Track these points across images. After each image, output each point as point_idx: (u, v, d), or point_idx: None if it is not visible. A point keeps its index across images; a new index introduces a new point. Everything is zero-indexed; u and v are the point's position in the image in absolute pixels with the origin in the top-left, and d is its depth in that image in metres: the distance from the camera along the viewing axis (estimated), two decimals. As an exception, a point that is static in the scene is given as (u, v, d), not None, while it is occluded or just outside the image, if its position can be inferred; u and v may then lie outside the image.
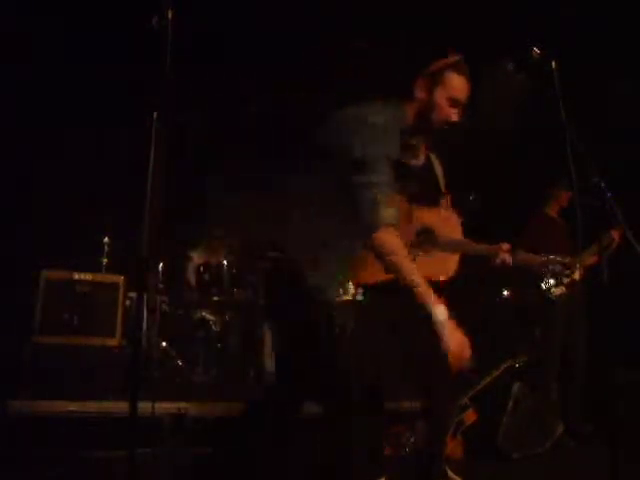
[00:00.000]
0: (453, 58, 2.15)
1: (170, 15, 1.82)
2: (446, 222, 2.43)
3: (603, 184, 2.44)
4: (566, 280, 3.93)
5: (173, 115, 1.81)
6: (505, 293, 5.33)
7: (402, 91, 2.27)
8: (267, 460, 2.31)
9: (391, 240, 1.94)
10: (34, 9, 4.34)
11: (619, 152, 4.40)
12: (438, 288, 1.97)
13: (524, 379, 3.59)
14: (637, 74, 4.48)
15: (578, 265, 3.89)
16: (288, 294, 2.12)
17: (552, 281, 3.91)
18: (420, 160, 2.33)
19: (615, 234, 3.71)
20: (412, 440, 3.30)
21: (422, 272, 1.96)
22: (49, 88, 4.62)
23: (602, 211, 2.55)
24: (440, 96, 2.09)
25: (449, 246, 2.37)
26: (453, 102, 2.09)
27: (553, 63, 2.24)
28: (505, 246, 2.39)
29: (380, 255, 1.95)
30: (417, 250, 2.35)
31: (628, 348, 3.72)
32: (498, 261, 2.39)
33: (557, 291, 3.92)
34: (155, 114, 1.76)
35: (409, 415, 3.62)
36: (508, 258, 2.40)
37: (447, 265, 2.38)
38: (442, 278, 2.34)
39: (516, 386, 3.48)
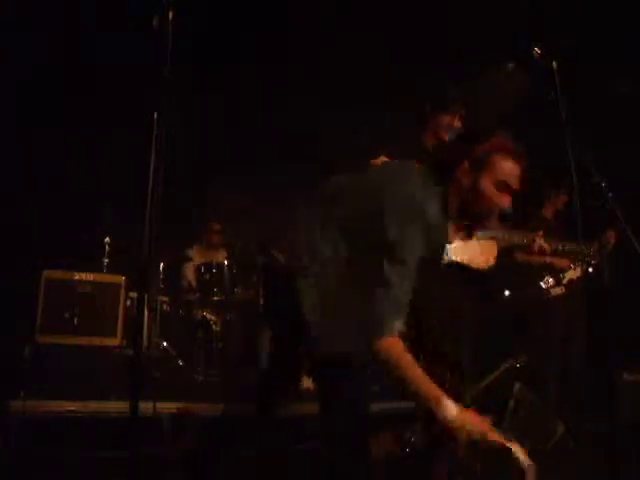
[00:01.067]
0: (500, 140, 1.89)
1: (170, 15, 1.82)
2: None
3: (603, 184, 2.45)
4: (565, 280, 3.93)
5: (173, 115, 1.81)
6: (505, 293, 5.32)
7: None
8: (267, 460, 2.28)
9: (396, 352, 1.75)
10: (34, 9, 4.34)
11: (619, 152, 4.41)
12: (480, 277, 1.96)
13: (524, 379, 3.59)
14: (637, 74, 4.48)
15: (577, 265, 3.90)
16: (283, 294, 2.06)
17: (552, 280, 3.92)
18: None
19: (611, 235, 3.72)
20: (412, 440, 3.30)
21: (466, 260, 1.97)
22: (49, 88, 4.63)
23: (602, 211, 2.55)
24: (486, 183, 1.85)
25: (488, 235, 2.35)
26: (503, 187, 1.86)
27: (554, 63, 2.24)
28: (540, 233, 2.40)
29: (384, 366, 1.77)
30: (456, 238, 2.28)
31: (628, 348, 3.73)
32: (535, 247, 2.39)
33: (557, 290, 3.92)
34: (155, 114, 1.76)
35: (409, 415, 3.62)
36: (545, 244, 2.40)
37: (487, 254, 2.36)
38: (483, 266, 2.33)
39: (516, 386, 3.48)
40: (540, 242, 2.40)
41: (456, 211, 1.89)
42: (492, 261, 2.36)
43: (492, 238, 2.37)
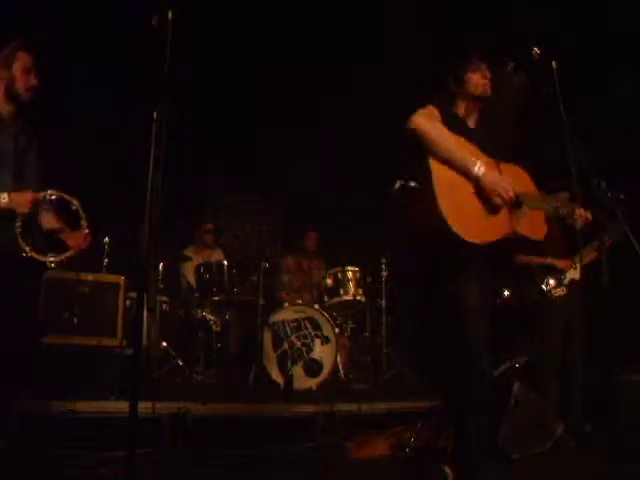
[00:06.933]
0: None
1: (170, 15, 1.82)
2: (515, 174, 2.39)
3: (603, 184, 2.45)
4: (566, 281, 3.94)
5: (173, 114, 1.81)
6: (505, 293, 5.32)
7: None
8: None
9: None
10: (34, 9, 4.34)
11: (619, 152, 4.41)
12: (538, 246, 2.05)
13: (524, 379, 3.59)
14: (637, 74, 4.48)
15: (577, 264, 3.90)
16: None
17: (552, 281, 3.92)
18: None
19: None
20: (412, 440, 3.30)
21: (522, 231, 2.21)
22: (49, 87, 4.61)
23: (602, 211, 2.55)
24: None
25: (536, 203, 2.34)
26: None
27: (554, 63, 2.25)
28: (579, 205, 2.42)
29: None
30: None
31: (627, 348, 3.73)
32: (577, 215, 2.41)
33: (558, 291, 3.92)
34: (155, 113, 1.77)
35: (409, 415, 3.62)
36: (585, 213, 2.42)
37: (537, 223, 2.36)
38: (538, 238, 2.33)
39: (516, 386, 3.48)
40: (581, 211, 2.41)
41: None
42: (544, 233, 2.36)
43: (541, 207, 2.36)
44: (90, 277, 3.84)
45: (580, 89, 3.18)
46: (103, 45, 4.60)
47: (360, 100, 5.38)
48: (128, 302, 4.14)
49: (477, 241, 2.14)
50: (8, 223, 2.35)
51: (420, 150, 2.20)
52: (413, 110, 2.27)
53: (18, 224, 2.34)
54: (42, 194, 2.43)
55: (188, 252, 5.32)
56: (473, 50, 2.40)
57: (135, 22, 2.71)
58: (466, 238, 2.12)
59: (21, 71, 2.43)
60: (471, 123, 2.44)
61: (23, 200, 2.36)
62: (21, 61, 2.44)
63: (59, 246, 2.52)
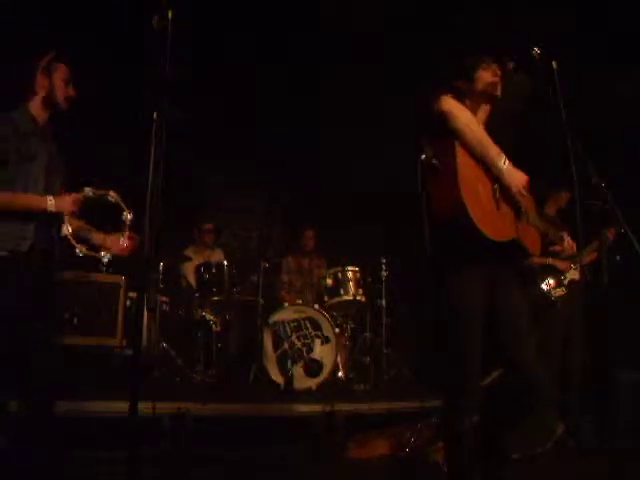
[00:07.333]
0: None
1: (170, 15, 1.82)
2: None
3: (603, 184, 2.45)
4: (566, 281, 3.94)
5: (173, 114, 1.81)
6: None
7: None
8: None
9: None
10: (34, 9, 4.34)
11: (619, 152, 4.41)
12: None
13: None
14: (637, 74, 4.48)
15: (577, 264, 3.90)
16: None
17: (552, 282, 3.92)
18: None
19: (610, 233, 3.74)
20: (412, 440, 3.30)
21: (520, 236, 2.19)
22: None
23: (602, 211, 2.55)
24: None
25: (533, 218, 2.34)
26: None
27: (554, 63, 2.24)
28: (566, 232, 2.45)
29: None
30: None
31: (627, 348, 3.73)
32: (565, 245, 2.42)
33: (558, 292, 3.93)
34: (155, 114, 1.76)
35: (409, 415, 3.62)
36: (572, 244, 2.44)
37: (534, 239, 2.36)
38: (531, 250, 2.32)
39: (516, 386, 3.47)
40: (568, 240, 2.42)
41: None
42: (538, 250, 2.37)
43: (538, 225, 2.36)
44: (90, 277, 3.84)
45: (580, 89, 3.18)
46: (103, 45, 4.59)
47: (360, 100, 5.38)
48: (128, 302, 4.15)
49: (492, 236, 2.10)
50: (46, 225, 2.44)
51: (446, 131, 2.18)
52: (414, 110, 2.26)
53: (67, 225, 2.43)
54: (81, 194, 2.49)
55: (188, 252, 5.32)
56: (485, 48, 2.39)
57: (135, 22, 2.71)
58: (484, 231, 2.07)
59: (61, 81, 2.53)
60: (479, 123, 2.41)
61: (68, 201, 2.44)
62: (60, 71, 2.54)
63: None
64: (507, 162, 2.20)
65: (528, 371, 2.20)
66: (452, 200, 2.08)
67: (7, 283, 2.32)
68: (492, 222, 2.13)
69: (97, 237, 2.58)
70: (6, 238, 2.35)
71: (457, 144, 2.15)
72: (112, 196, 2.52)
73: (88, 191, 2.50)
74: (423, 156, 2.25)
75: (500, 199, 2.23)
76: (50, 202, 2.40)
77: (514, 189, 2.20)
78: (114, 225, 2.58)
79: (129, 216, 2.53)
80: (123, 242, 2.54)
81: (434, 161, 2.22)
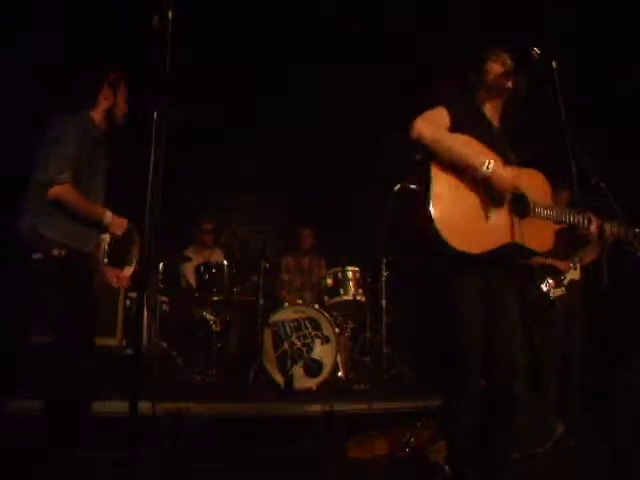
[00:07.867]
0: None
1: (170, 15, 1.82)
2: (533, 181, 2.30)
3: (603, 184, 2.45)
4: (565, 281, 3.94)
5: (173, 114, 1.81)
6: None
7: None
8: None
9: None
10: (35, 8, 4.34)
11: (619, 152, 4.41)
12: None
13: (524, 379, 3.58)
14: (637, 74, 4.48)
15: (577, 264, 3.90)
16: None
17: (552, 281, 3.92)
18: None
19: (610, 233, 3.73)
20: (412, 440, 3.30)
21: (518, 239, 2.12)
22: (49, 86, 4.62)
23: (602, 211, 2.55)
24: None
25: (544, 212, 2.24)
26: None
27: (553, 63, 2.24)
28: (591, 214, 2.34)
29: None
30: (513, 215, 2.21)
31: (627, 348, 3.73)
32: (592, 229, 2.31)
33: (557, 292, 3.93)
34: (155, 114, 1.76)
35: (409, 415, 3.62)
36: (607, 227, 2.34)
37: (544, 236, 2.26)
38: (537, 249, 2.24)
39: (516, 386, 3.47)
40: (598, 225, 2.32)
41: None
42: (547, 246, 2.26)
43: (551, 217, 2.24)
44: (90, 277, 3.83)
45: (580, 89, 3.18)
46: (103, 45, 4.59)
47: (361, 100, 5.38)
48: (128, 302, 4.14)
49: (468, 249, 2.07)
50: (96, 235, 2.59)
51: (425, 154, 2.15)
52: (419, 110, 2.23)
53: (108, 241, 2.61)
54: (130, 225, 2.65)
55: (188, 252, 5.32)
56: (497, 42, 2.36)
57: (135, 22, 2.72)
58: (455, 246, 2.04)
59: (122, 99, 2.72)
60: (494, 120, 2.37)
61: (121, 224, 2.61)
62: (123, 90, 2.73)
63: None
64: (491, 164, 2.12)
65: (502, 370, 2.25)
66: (422, 219, 2.08)
67: (79, 278, 2.49)
68: (468, 235, 2.09)
69: (107, 270, 2.73)
70: (75, 236, 2.48)
71: (433, 163, 2.13)
72: (135, 239, 2.67)
73: (129, 227, 2.64)
74: (397, 187, 2.28)
75: (492, 206, 2.17)
76: (108, 216, 2.54)
77: (504, 192, 2.15)
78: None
79: (136, 251, 2.65)
80: (126, 272, 2.67)
81: (412, 187, 2.22)
